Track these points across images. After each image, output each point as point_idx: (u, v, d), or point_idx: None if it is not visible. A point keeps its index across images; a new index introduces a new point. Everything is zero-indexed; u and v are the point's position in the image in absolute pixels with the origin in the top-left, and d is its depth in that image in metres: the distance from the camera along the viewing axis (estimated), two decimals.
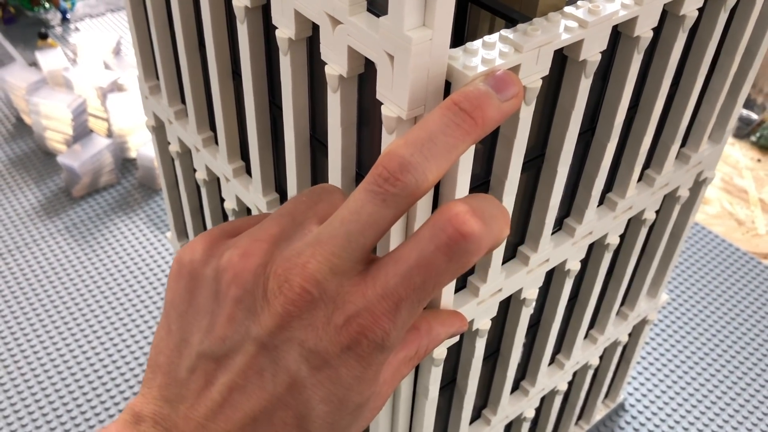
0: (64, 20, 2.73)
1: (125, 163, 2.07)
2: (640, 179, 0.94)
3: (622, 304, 1.18)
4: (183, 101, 1.01)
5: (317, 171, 0.80)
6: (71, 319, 1.64)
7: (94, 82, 2.07)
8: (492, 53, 0.58)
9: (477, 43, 0.59)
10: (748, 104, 2.38)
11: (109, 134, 2.10)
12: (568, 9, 0.64)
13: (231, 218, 0.99)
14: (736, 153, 2.26)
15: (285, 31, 0.68)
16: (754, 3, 0.84)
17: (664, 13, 0.75)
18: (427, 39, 0.54)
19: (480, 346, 0.82)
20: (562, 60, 0.68)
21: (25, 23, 2.71)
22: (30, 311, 1.65)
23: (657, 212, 1.02)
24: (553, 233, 0.86)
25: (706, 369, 1.60)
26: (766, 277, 1.82)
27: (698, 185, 1.06)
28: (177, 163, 1.08)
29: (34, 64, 2.42)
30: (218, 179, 1.01)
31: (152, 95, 1.06)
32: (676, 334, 1.67)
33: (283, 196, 0.88)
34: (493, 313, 0.81)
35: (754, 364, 1.62)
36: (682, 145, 0.98)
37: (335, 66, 0.63)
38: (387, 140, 0.61)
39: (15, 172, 2.04)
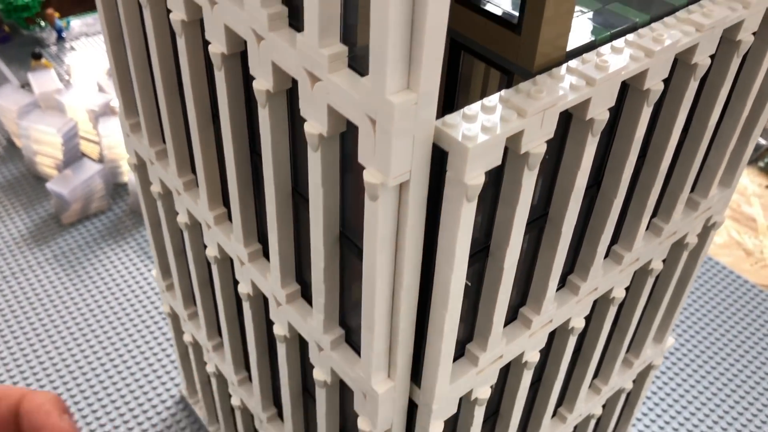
0: (60, 39, 2.69)
1: (117, 188, 2.02)
2: (646, 228, 0.89)
3: (627, 351, 1.12)
4: (164, 141, 0.96)
5: (300, 225, 0.74)
6: (60, 349, 1.59)
7: (86, 104, 2.03)
8: (492, 118, 0.53)
9: (476, 107, 0.54)
10: None
11: (101, 158, 2.05)
12: (573, 63, 0.59)
13: (213, 267, 0.94)
14: (743, 179, 2.21)
15: (263, 82, 0.62)
16: (767, 46, 0.79)
17: (675, 62, 0.69)
18: (412, 103, 0.49)
19: (479, 414, 0.77)
20: (567, 116, 0.63)
21: (20, 42, 2.67)
22: (22, 339, 1.60)
23: (664, 261, 0.96)
24: (556, 291, 0.80)
25: (714, 410, 1.54)
26: None
27: (707, 230, 1.00)
28: (159, 204, 1.03)
29: (27, 84, 2.37)
30: (200, 224, 0.96)
31: (133, 133, 1.01)
32: (683, 372, 1.61)
33: (265, 246, 0.83)
34: (493, 380, 0.76)
35: (764, 405, 1.55)
36: (691, 190, 0.93)
37: (315, 124, 0.58)
38: (370, 206, 0.56)
39: (4, 198, 1.99)
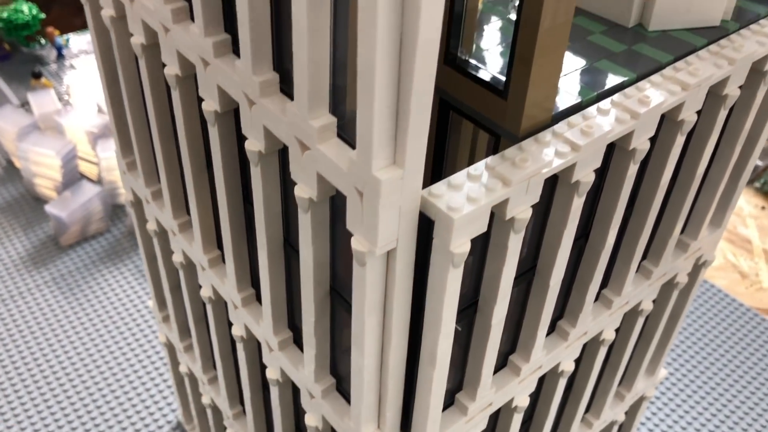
0: (60, 56, 2.71)
1: (115, 209, 2.03)
2: (636, 271, 0.90)
3: (618, 385, 1.13)
4: (160, 181, 0.97)
5: (292, 273, 0.75)
6: (58, 373, 1.59)
7: (85, 126, 2.04)
8: (478, 188, 0.54)
9: (462, 177, 0.55)
10: None
11: (100, 179, 2.06)
12: (559, 128, 0.60)
13: (208, 306, 0.95)
14: (740, 200, 2.22)
15: (255, 143, 0.64)
16: (755, 95, 0.80)
17: (662, 117, 0.70)
18: (398, 178, 0.50)
19: None
20: (554, 177, 0.64)
21: (20, 60, 2.69)
22: (19, 362, 1.61)
23: (654, 301, 0.97)
24: (545, 338, 0.81)
25: None
26: None
27: (697, 269, 1.01)
28: (155, 241, 1.04)
29: (26, 103, 2.39)
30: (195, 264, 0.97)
31: (129, 171, 1.02)
32: (677, 398, 1.62)
33: (259, 291, 0.84)
34: (483, 426, 0.77)
35: (762, 427, 1.56)
36: (681, 232, 0.94)
37: (305, 188, 0.59)
38: (358, 271, 0.57)
39: (3, 219, 2.00)
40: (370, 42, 0.44)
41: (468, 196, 0.53)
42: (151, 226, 1.02)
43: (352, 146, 0.54)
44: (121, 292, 1.80)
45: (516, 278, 0.68)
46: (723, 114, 0.76)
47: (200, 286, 0.95)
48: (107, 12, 0.81)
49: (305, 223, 0.61)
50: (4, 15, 2.59)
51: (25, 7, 2.63)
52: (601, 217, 0.72)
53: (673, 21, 0.74)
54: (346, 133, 0.56)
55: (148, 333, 1.70)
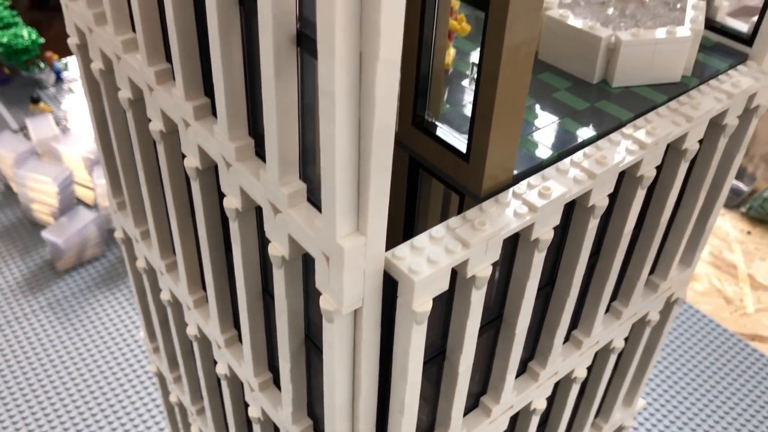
0: (59, 80, 2.75)
1: (111, 234, 2.07)
2: (606, 311, 0.93)
3: (595, 417, 1.16)
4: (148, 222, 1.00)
5: (271, 320, 0.79)
6: (52, 399, 1.62)
7: (82, 152, 2.08)
8: (438, 250, 0.57)
9: (424, 239, 0.58)
10: (739, 174, 2.37)
11: (96, 204, 2.09)
12: (518, 188, 0.64)
13: (194, 344, 0.98)
14: (725, 225, 2.25)
15: (232, 201, 0.67)
16: (716, 147, 0.83)
17: (622, 174, 0.74)
18: (361, 245, 0.54)
19: None
20: (515, 234, 0.67)
21: (19, 84, 2.73)
22: (15, 388, 1.64)
23: (626, 338, 1.00)
24: (516, 377, 0.84)
25: None
26: (753, 360, 1.79)
27: (669, 306, 1.04)
28: (144, 278, 1.07)
29: (24, 128, 2.43)
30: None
31: (120, 211, 1.05)
32: (660, 423, 1.65)
33: (241, 332, 0.87)
34: None
35: None
36: (651, 273, 0.97)
37: (278, 246, 0.62)
38: (327, 327, 0.60)
39: (1, 244, 2.03)
40: (330, 127, 0.48)
41: (429, 258, 0.57)
42: (140, 264, 1.05)
43: (321, 210, 0.58)
44: (115, 317, 1.83)
45: (482, 327, 0.72)
46: (684, 166, 0.79)
47: (187, 324, 0.98)
48: (96, 65, 0.85)
49: (279, 279, 0.65)
50: (4, 40, 2.64)
51: (24, 32, 2.68)
52: (566, 267, 0.75)
53: (635, 78, 0.78)
54: (316, 198, 0.59)
55: (141, 359, 1.73)
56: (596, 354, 0.97)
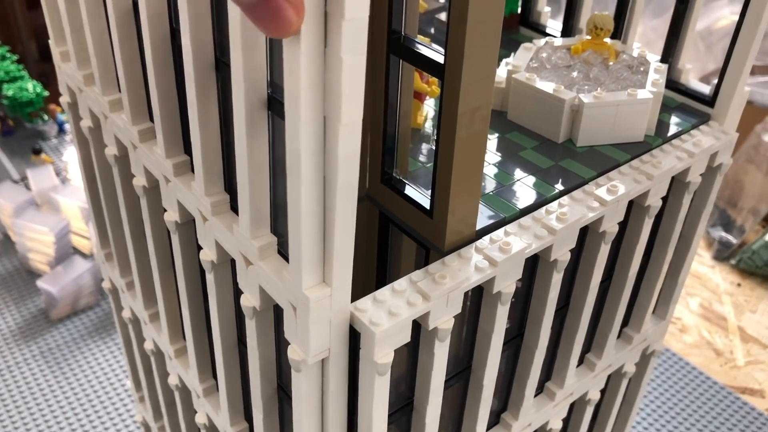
0: (61, 132, 2.81)
1: None
2: (580, 363, 0.95)
3: None
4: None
5: (246, 370, 0.81)
6: None
7: (79, 202, 2.12)
8: (399, 303, 0.60)
9: (386, 292, 0.61)
10: (728, 227, 2.40)
11: (92, 253, 2.12)
12: (480, 243, 0.66)
13: (176, 393, 0.99)
14: (715, 277, 2.27)
15: (208, 253, 0.70)
16: (681, 203, 0.86)
17: (585, 229, 0.77)
18: (326, 296, 0.56)
19: None
20: (479, 286, 0.69)
21: (22, 135, 2.79)
22: None
23: (603, 390, 1.02)
24: (488, 429, 0.85)
25: None
26: (744, 414, 1.79)
27: (646, 358, 1.06)
28: (130, 328, 1.09)
29: (25, 178, 2.47)
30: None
31: (107, 261, 1.08)
32: None
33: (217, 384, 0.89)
34: None
35: None
36: (625, 325, 0.99)
37: (250, 297, 0.65)
38: (295, 377, 0.62)
39: None
40: (296, 183, 0.51)
41: (390, 310, 0.59)
42: (126, 314, 1.07)
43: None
44: (107, 366, 1.84)
45: (450, 378, 0.73)
46: (648, 222, 0.82)
47: (169, 374, 1.00)
48: (85, 123, 0.89)
49: (251, 329, 0.67)
50: (10, 93, 2.71)
51: (30, 85, 2.75)
52: (533, 319, 0.78)
53: (599, 138, 0.82)
54: (286, 250, 0.62)
55: (131, 408, 1.73)
56: (572, 405, 0.98)
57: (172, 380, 0.98)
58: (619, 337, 0.98)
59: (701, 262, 2.31)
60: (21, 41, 3.59)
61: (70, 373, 1.82)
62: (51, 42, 0.92)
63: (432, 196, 0.65)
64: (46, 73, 3.23)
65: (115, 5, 0.69)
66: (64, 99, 0.95)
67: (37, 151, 2.55)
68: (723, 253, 2.34)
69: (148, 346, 1.03)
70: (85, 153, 0.97)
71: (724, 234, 2.36)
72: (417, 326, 0.63)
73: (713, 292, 2.21)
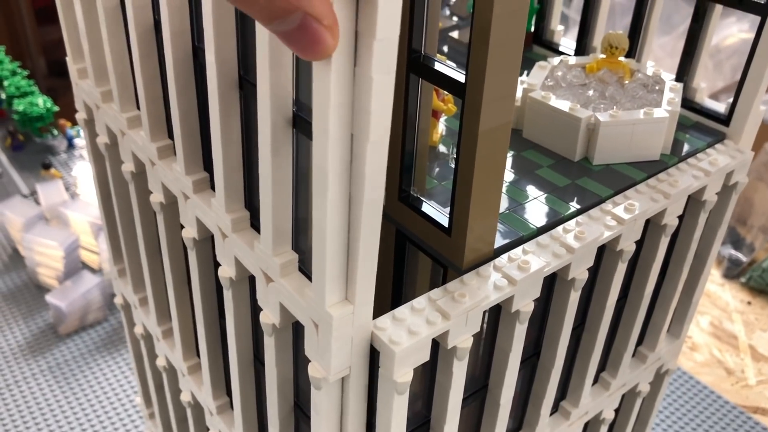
0: (70, 146, 2.83)
1: (114, 298, 2.09)
2: (595, 382, 0.94)
3: None
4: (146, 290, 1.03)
5: (261, 387, 0.80)
6: None
7: (89, 217, 2.12)
8: (419, 321, 0.60)
9: (405, 310, 0.61)
10: (737, 245, 2.39)
11: (101, 268, 2.13)
12: (499, 262, 0.66)
13: (188, 410, 0.99)
14: (725, 295, 2.26)
15: (227, 270, 0.70)
16: (697, 222, 0.86)
17: (602, 248, 0.76)
18: (349, 313, 0.56)
19: None
20: (498, 306, 0.69)
21: (32, 150, 2.81)
22: None
23: (617, 410, 1.01)
24: None
25: None
26: None
27: (660, 378, 1.05)
28: (142, 344, 1.09)
29: (35, 192, 2.48)
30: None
31: (120, 277, 1.08)
32: None
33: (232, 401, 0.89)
34: None
35: None
36: (639, 344, 0.98)
37: (269, 314, 0.65)
38: (315, 394, 0.62)
39: (5, 307, 2.06)
40: (322, 201, 0.51)
41: (409, 329, 0.59)
42: (138, 330, 1.07)
43: (311, 279, 0.60)
44: (114, 382, 1.84)
45: (467, 397, 0.73)
46: (665, 241, 0.82)
47: (181, 390, 1.00)
48: (102, 139, 0.89)
49: (269, 347, 0.67)
50: (21, 108, 2.72)
51: (40, 100, 2.77)
52: (550, 338, 0.77)
53: (615, 156, 0.82)
54: (307, 267, 0.62)
55: (139, 424, 1.73)
56: (586, 425, 0.97)
57: (185, 397, 0.97)
58: (633, 356, 0.98)
59: (711, 280, 2.30)
60: (30, 57, 3.62)
61: (78, 389, 1.82)
62: (68, 59, 0.93)
63: (451, 213, 0.65)
64: (54, 88, 3.26)
65: (136, 23, 0.70)
66: (81, 115, 0.95)
67: (47, 166, 2.56)
68: (733, 271, 2.33)
69: (161, 362, 1.03)
70: (101, 169, 0.97)
71: (733, 252, 2.36)
72: (435, 345, 0.63)
73: (723, 310, 2.20)
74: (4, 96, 2.87)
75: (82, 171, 2.43)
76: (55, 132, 2.85)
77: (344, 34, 0.42)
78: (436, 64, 0.63)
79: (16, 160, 2.73)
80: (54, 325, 1.99)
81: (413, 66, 0.65)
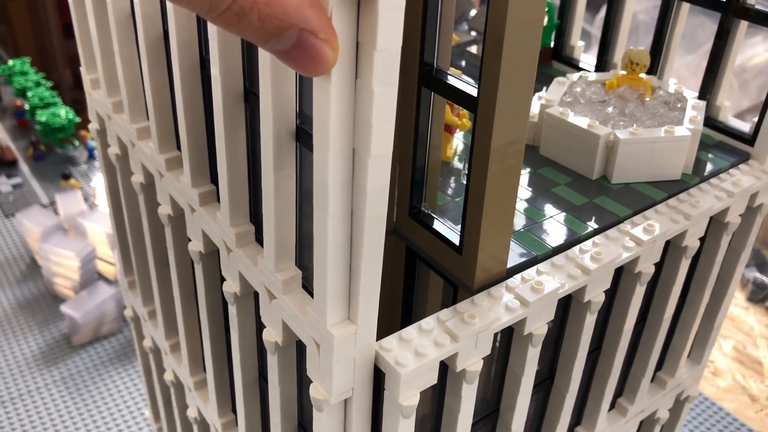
0: (90, 157, 2.85)
1: None
2: (611, 407, 0.91)
3: None
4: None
5: (266, 405, 0.78)
6: None
7: (106, 228, 2.13)
8: (427, 342, 0.57)
9: (413, 330, 0.58)
10: (762, 267, 2.34)
11: (116, 280, 2.13)
12: (512, 282, 0.64)
13: (195, 428, 0.97)
14: (750, 319, 2.20)
15: (231, 285, 0.68)
16: (719, 244, 0.83)
17: (620, 270, 0.74)
18: (351, 333, 0.54)
19: None
20: (510, 327, 0.67)
21: (53, 160, 2.83)
22: None
23: None
24: None
25: None
26: None
27: (679, 404, 1.02)
28: (150, 358, 1.08)
29: (54, 202, 2.50)
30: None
31: (130, 289, 1.07)
32: None
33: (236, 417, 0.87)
34: None
35: None
36: (658, 369, 0.95)
37: (272, 332, 0.63)
38: (317, 416, 0.60)
39: (21, 316, 2.07)
40: (323, 217, 0.49)
41: (416, 350, 0.57)
42: (147, 343, 1.06)
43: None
44: (126, 394, 1.83)
45: (477, 422, 0.71)
46: (685, 263, 0.79)
47: (188, 406, 0.98)
48: (113, 150, 0.88)
49: (273, 365, 0.65)
50: (43, 119, 2.75)
51: (62, 112, 2.79)
52: (564, 362, 0.75)
53: (634, 175, 0.79)
54: (311, 284, 0.60)
55: None
56: None
57: (192, 413, 0.96)
58: (652, 381, 0.95)
59: (735, 304, 2.25)
60: (57, 68, 3.67)
61: (90, 400, 1.81)
62: (82, 69, 0.93)
63: (462, 232, 0.63)
64: (79, 100, 3.29)
65: (146, 33, 0.69)
66: (93, 126, 0.95)
67: (67, 177, 2.58)
68: (758, 295, 2.27)
69: (168, 377, 1.01)
70: (112, 180, 0.96)
71: (758, 275, 2.30)
72: (444, 366, 0.61)
73: (747, 334, 2.14)
74: (27, 107, 2.91)
75: (101, 182, 2.44)
76: (77, 143, 2.87)
77: (345, 45, 0.40)
78: (449, 77, 0.61)
79: (37, 170, 2.75)
80: (68, 335, 1.99)
81: (425, 79, 0.63)
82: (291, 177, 0.56)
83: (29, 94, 2.90)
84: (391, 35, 0.40)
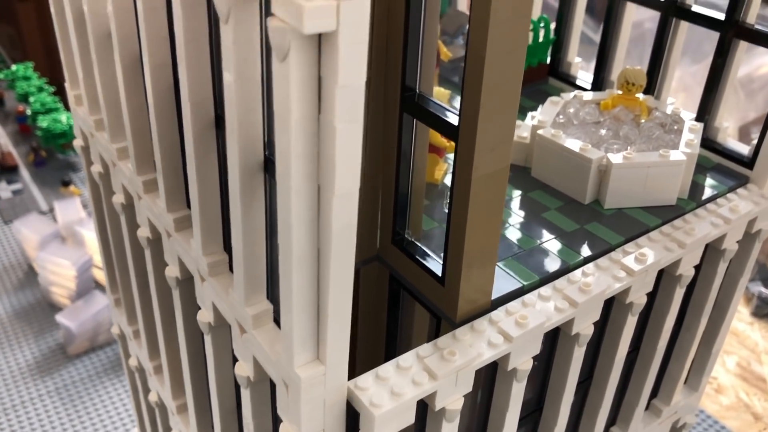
0: None
1: None
2: None
3: None
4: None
5: (241, 423, 0.76)
6: None
7: None
8: (403, 381, 0.55)
9: (390, 368, 0.56)
10: (767, 282, 2.30)
11: None
12: (496, 315, 0.62)
13: None
14: (755, 335, 2.17)
15: (205, 314, 0.66)
16: (716, 272, 0.80)
17: (611, 300, 0.71)
18: (320, 374, 0.52)
19: None
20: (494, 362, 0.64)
21: (54, 166, 2.82)
22: None
23: None
24: None
25: None
26: None
27: None
28: (137, 376, 1.06)
29: (52, 209, 2.48)
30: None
31: (116, 306, 1.05)
32: None
33: None
34: None
35: None
36: (653, 396, 0.92)
37: (245, 366, 0.61)
38: None
39: (17, 325, 2.05)
40: (288, 255, 0.47)
41: (392, 390, 0.54)
42: (132, 362, 1.04)
43: None
44: (121, 406, 1.81)
45: None
46: (680, 292, 0.76)
47: (171, 428, 0.96)
48: (96, 168, 0.87)
49: (246, 399, 0.63)
50: (44, 124, 2.74)
51: (63, 117, 2.78)
52: (552, 395, 0.72)
53: (628, 200, 0.77)
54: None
55: None
56: None
57: None
58: (647, 409, 0.92)
59: (739, 319, 2.21)
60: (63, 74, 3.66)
61: (84, 411, 1.79)
62: (66, 84, 0.91)
63: (444, 262, 0.61)
64: None
65: (121, 54, 0.67)
66: (78, 142, 0.93)
67: (67, 183, 2.57)
68: (763, 310, 2.23)
69: (153, 398, 0.99)
70: (96, 197, 0.95)
71: (763, 290, 2.26)
72: (424, 404, 0.58)
73: (752, 350, 2.11)
74: (29, 112, 2.90)
75: None
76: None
77: (306, 79, 0.38)
78: (430, 104, 0.59)
79: (38, 176, 2.74)
80: (64, 345, 1.97)
81: (407, 105, 0.60)
82: (260, 209, 0.54)
83: (31, 99, 2.89)
84: (354, 70, 0.38)
